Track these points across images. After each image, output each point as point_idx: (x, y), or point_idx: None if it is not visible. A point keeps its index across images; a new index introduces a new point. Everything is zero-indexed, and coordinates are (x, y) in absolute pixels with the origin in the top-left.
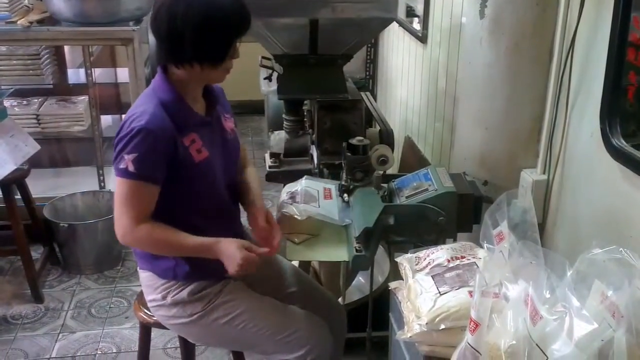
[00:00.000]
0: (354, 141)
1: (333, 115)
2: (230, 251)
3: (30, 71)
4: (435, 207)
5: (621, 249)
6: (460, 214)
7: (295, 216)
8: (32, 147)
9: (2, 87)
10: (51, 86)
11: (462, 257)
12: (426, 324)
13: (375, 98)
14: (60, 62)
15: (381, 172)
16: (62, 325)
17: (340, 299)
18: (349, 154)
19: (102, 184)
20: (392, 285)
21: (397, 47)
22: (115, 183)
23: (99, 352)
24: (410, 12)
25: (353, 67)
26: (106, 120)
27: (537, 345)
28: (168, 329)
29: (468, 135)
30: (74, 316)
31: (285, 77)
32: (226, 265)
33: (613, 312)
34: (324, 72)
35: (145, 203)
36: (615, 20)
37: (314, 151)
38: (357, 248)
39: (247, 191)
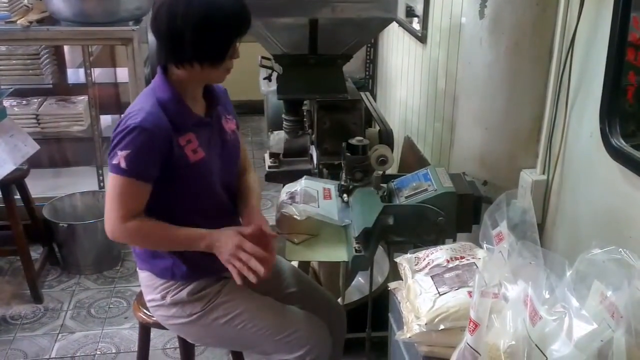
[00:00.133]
0: (353, 141)
1: (332, 115)
2: (224, 236)
3: (30, 71)
4: (435, 208)
5: (620, 249)
6: (459, 214)
7: (295, 216)
8: (32, 147)
9: (2, 86)
10: (51, 86)
11: (462, 258)
12: (425, 324)
13: (374, 98)
14: (59, 62)
15: (381, 172)
16: (62, 325)
17: (339, 299)
18: (348, 154)
19: (102, 184)
20: (392, 285)
21: (396, 47)
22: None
23: (99, 353)
24: (410, 12)
25: (353, 67)
26: (106, 120)
27: (536, 345)
28: (167, 329)
29: (468, 135)
30: (74, 316)
31: (284, 77)
32: (219, 251)
33: (612, 313)
34: (323, 72)
35: (135, 200)
36: (614, 20)
37: (313, 151)
38: (356, 248)
39: (246, 195)
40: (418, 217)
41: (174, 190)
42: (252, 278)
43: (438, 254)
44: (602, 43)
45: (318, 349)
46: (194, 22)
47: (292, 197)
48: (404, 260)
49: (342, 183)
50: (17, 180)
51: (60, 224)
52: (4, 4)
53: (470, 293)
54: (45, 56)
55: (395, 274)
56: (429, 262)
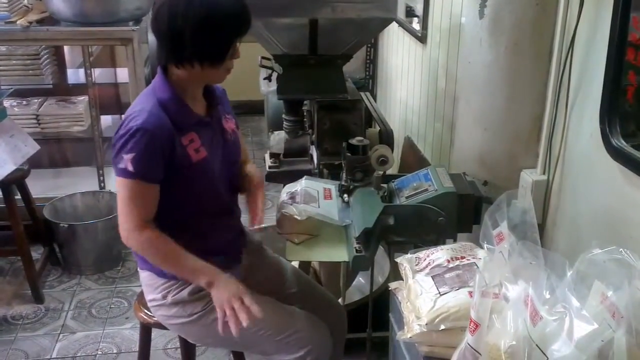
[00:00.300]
0: (353, 141)
1: (333, 115)
2: (225, 285)
3: (30, 71)
4: (435, 208)
5: (621, 249)
6: (460, 214)
7: (295, 216)
8: (32, 148)
9: (2, 87)
10: (51, 86)
11: (462, 258)
12: (426, 324)
13: (375, 98)
14: (59, 62)
15: (381, 173)
16: (63, 325)
17: (340, 300)
18: (348, 154)
19: (102, 184)
20: (392, 285)
21: (396, 47)
22: (115, 183)
23: (100, 353)
24: (410, 12)
25: (353, 67)
26: (106, 120)
27: (537, 345)
28: (168, 330)
29: (468, 135)
30: (75, 316)
31: (285, 77)
32: (214, 296)
33: (613, 313)
34: (323, 72)
35: (147, 202)
36: (614, 20)
37: (313, 151)
38: (357, 248)
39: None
40: (418, 217)
41: (177, 190)
42: (234, 329)
43: (438, 254)
44: (602, 43)
45: (319, 350)
46: (194, 22)
47: (292, 197)
48: (404, 261)
49: (343, 183)
50: (17, 180)
51: (61, 224)
52: (4, 4)
53: (470, 293)
54: (45, 56)
55: (395, 274)
56: (429, 262)
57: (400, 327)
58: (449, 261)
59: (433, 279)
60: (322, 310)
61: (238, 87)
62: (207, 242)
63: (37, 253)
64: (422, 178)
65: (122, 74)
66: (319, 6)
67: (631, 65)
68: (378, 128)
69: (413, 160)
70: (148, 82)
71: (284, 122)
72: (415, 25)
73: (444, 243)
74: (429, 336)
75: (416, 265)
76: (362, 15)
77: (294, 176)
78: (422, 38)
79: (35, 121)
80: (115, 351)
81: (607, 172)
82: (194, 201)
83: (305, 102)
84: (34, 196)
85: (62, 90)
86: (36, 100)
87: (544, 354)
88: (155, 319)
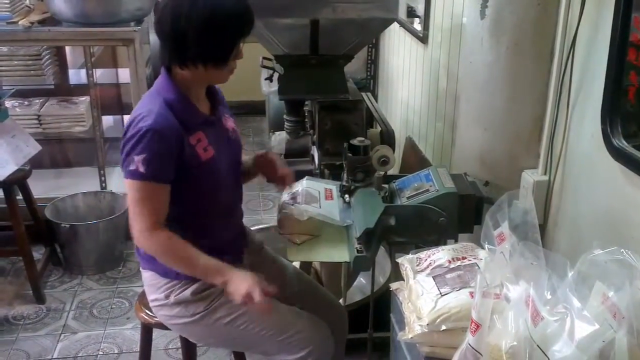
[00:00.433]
0: (355, 142)
1: (334, 115)
2: (241, 279)
3: (32, 72)
4: (436, 208)
5: (622, 249)
6: (461, 214)
7: (296, 217)
8: (34, 148)
9: (4, 87)
10: (52, 87)
11: (463, 258)
12: (427, 324)
13: (376, 98)
14: (61, 63)
15: (382, 173)
16: (64, 325)
17: (341, 300)
18: (350, 154)
19: (104, 185)
20: (393, 286)
21: (398, 47)
22: (119, 185)
23: (101, 353)
24: (411, 13)
25: (354, 68)
26: (107, 120)
27: (538, 346)
28: (169, 330)
29: (469, 135)
30: (76, 317)
31: (286, 78)
32: (231, 292)
33: (614, 313)
34: (325, 73)
35: (159, 203)
36: (616, 21)
37: (315, 152)
38: (358, 249)
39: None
40: (420, 217)
41: (183, 190)
42: (265, 314)
43: (440, 255)
44: (603, 43)
45: (320, 350)
46: (198, 23)
47: (293, 197)
48: (405, 261)
49: (344, 183)
50: (19, 180)
51: (63, 225)
52: (6, 5)
53: (472, 293)
54: (46, 57)
55: (396, 274)
56: (430, 263)
57: (402, 327)
58: (450, 262)
59: (434, 280)
60: (323, 310)
61: (239, 88)
62: (209, 242)
63: (38, 253)
64: (423, 178)
65: (124, 75)
66: (320, 6)
67: (632, 65)
68: (379, 128)
69: (414, 160)
70: (150, 83)
71: (285, 123)
72: (417, 25)
73: (445, 243)
74: (430, 337)
75: (417, 265)
76: (363, 16)
77: (295, 177)
78: (423, 38)
79: (36, 121)
80: (116, 351)
81: (609, 172)
82: (199, 201)
83: (306, 102)
84: (35, 196)
85: (64, 90)
86: (38, 101)
87: (545, 354)
88: (157, 319)
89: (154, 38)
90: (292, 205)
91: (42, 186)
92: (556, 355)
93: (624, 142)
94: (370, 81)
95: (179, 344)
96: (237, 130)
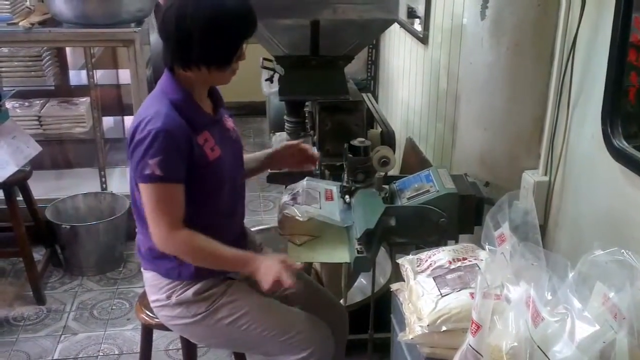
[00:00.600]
0: (355, 142)
1: (334, 116)
2: (267, 264)
3: (32, 73)
4: (437, 209)
5: (623, 250)
6: (461, 215)
7: (297, 217)
8: (34, 149)
9: (4, 88)
10: (53, 88)
11: (464, 259)
12: (427, 325)
13: (376, 99)
14: (61, 64)
15: (382, 174)
16: (64, 327)
17: (341, 301)
18: (350, 155)
19: (104, 186)
20: (394, 286)
21: (398, 48)
22: (120, 186)
23: (101, 354)
24: (412, 13)
25: (354, 68)
26: (108, 121)
27: (538, 347)
28: (170, 331)
29: (469, 136)
30: (76, 318)
31: (286, 79)
32: (261, 280)
33: (615, 314)
34: (325, 74)
35: (177, 204)
36: (616, 21)
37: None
38: (358, 249)
39: (255, 155)
40: (420, 218)
41: (190, 191)
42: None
43: (440, 255)
44: (603, 44)
45: (321, 351)
46: (202, 25)
47: (294, 198)
48: (406, 262)
49: (344, 184)
50: (19, 181)
51: (63, 226)
52: (6, 6)
53: (472, 294)
54: (47, 58)
55: (397, 275)
56: (431, 264)
57: (402, 328)
58: (450, 262)
59: (434, 280)
60: (323, 310)
61: (240, 89)
62: None
63: (38, 254)
64: (423, 179)
65: (124, 76)
66: (321, 7)
67: (633, 66)
68: (380, 129)
69: (414, 161)
70: (150, 84)
71: (286, 124)
72: (417, 26)
73: (445, 244)
74: (430, 337)
75: (418, 266)
76: (364, 17)
77: (296, 177)
78: (423, 39)
79: (37, 122)
80: (116, 352)
81: (609, 173)
82: (202, 201)
83: (306, 103)
84: (36, 197)
85: (64, 91)
86: (38, 102)
87: (546, 355)
88: (157, 320)
89: (154, 39)
90: (293, 205)
91: (42, 187)
92: (557, 356)
93: (624, 142)
94: (371, 82)
95: (179, 345)
96: (236, 130)
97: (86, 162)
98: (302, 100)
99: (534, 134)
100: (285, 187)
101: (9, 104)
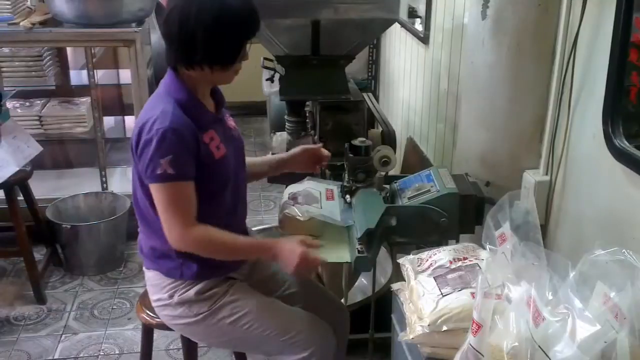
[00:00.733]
0: (356, 142)
1: (335, 116)
2: (289, 246)
3: (33, 72)
4: (438, 209)
5: (624, 250)
6: (462, 215)
7: (298, 217)
8: (35, 149)
9: (5, 88)
10: (54, 87)
11: (465, 259)
12: (428, 325)
13: (377, 99)
14: (62, 64)
15: (383, 173)
16: (65, 326)
17: (342, 300)
18: (351, 155)
19: (105, 185)
20: (395, 286)
21: (399, 48)
22: (120, 185)
23: (102, 354)
24: (412, 13)
25: (355, 68)
26: (108, 121)
27: (539, 346)
28: (170, 330)
29: (470, 136)
30: (77, 317)
31: (287, 78)
32: (284, 263)
33: (616, 314)
34: (326, 73)
35: (190, 202)
36: (617, 21)
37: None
38: (359, 249)
39: (266, 158)
40: (421, 218)
41: (198, 189)
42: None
43: (441, 255)
44: (604, 44)
45: (322, 351)
46: (205, 25)
47: (295, 198)
48: (406, 261)
49: (345, 184)
50: (20, 181)
51: (64, 225)
52: (7, 6)
53: (473, 294)
54: (48, 58)
55: (398, 275)
56: (431, 263)
57: (403, 328)
58: (451, 262)
59: (435, 280)
60: (324, 309)
61: (240, 88)
62: None
63: (39, 254)
64: (424, 179)
65: (125, 76)
66: (322, 7)
67: (634, 66)
68: (380, 129)
69: (415, 161)
70: (151, 84)
71: (287, 123)
72: (418, 26)
73: (446, 244)
74: (431, 337)
75: (418, 266)
76: (365, 16)
77: (297, 177)
78: (424, 39)
79: (38, 122)
80: (117, 352)
81: (610, 173)
82: (206, 199)
83: (307, 103)
84: (36, 197)
85: (65, 91)
86: (39, 102)
87: (547, 355)
88: (158, 319)
89: (155, 39)
90: (293, 205)
91: (43, 187)
92: (557, 356)
93: (625, 142)
94: (372, 82)
95: (180, 345)
96: (238, 129)
97: (87, 162)
98: (303, 100)
99: (535, 134)
100: (286, 186)
101: (9, 104)
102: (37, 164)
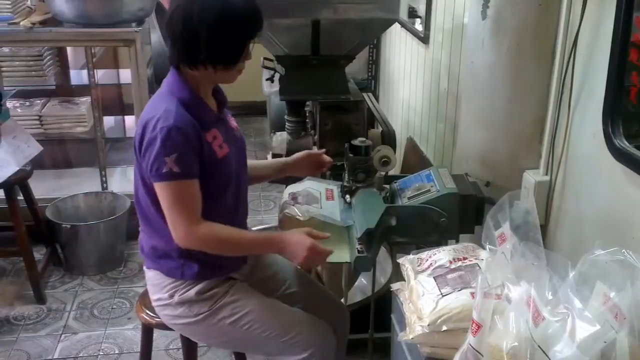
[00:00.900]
0: (356, 142)
1: (335, 116)
2: (297, 239)
3: (33, 72)
4: (437, 208)
5: (624, 250)
6: (462, 215)
7: (298, 217)
8: (35, 148)
9: (5, 88)
10: (54, 87)
11: (464, 259)
12: (428, 325)
13: (377, 99)
14: (62, 63)
15: (383, 173)
16: (65, 326)
17: (342, 300)
18: (351, 155)
19: (105, 185)
20: (394, 286)
21: (399, 48)
22: (120, 185)
23: (101, 354)
24: (413, 13)
25: (355, 68)
26: (108, 121)
27: (539, 346)
28: (170, 330)
29: (470, 136)
30: (77, 317)
31: (287, 78)
32: (291, 256)
33: (615, 314)
34: (326, 73)
35: (196, 200)
36: (617, 21)
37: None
38: (359, 249)
39: (270, 162)
40: (421, 218)
41: (201, 188)
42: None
43: (441, 255)
44: (604, 44)
45: (322, 352)
46: (209, 24)
47: (294, 198)
48: (406, 261)
49: (345, 184)
50: (20, 181)
51: (64, 225)
52: (7, 6)
53: (472, 294)
54: (48, 57)
55: (397, 274)
56: (431, 263)
57: (402, 328)
58: (451, 262)
59: (435, 280)
60: (324, 309)
61: (240, 88)
62: None
63: (39, 254)
64: (424, 179)
65: (125, 75)
66: (322, 7)
67: (634, 65)
68: (380, 129)
69: (415, 161)
70: (151, 83)
71: (287, 123)
72: (418, 26)
73: (446, 244)
74: (430, 337)
75: (418, 266)
76: (365, 16)
77: (297, 177)
78: (424, 39)
79: (38, 122)
80: (117, 352)
81: (610, 173)
82: (208, 198)
83: (307, 103)
84: (36, 197)
85: (65, 91)
86: (39, 101)
87: (546, 355)
88: (157, 319)
89: (155, 38)
90: (293, 205)
91: (43, 186)
92: (557, 356)
93: (625, 142)
94: (372, 81)
95: (179, 345)
96: (239, 129)
97: (87, 161)
98: (303, 100)
99: (535, 134)
100: (286, 186)
101: (9, 104)
102: (37, 163)
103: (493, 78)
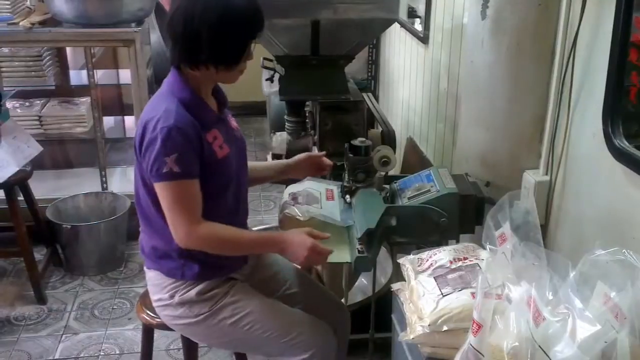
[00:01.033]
0: (356, 142)
1: (335, 116)
2: (298, 239)
3: (33, 72)
4: (438, 209)
5: (624, 250)
6: (462, 215)
7: (298, 217)
8: (35, 149)
9: (5, 88)
10: (53, 87)
11: (465, 259)
12: (428, 325)
13: (377, 99)
14: (62, 64)
15: (383, 173)
16: (65, 326)
17: (342, 301)
18: (351, 155)
19: (105, 185)
20: (395, 286)
21: (398, 48)
22: (120, 185)
23: (102, 354)
24: (412, 13)
25: (355, 68)
26: (108, 121)
27: (539, 346)
28: (171, 330)
29: (470, 136)
30: (77, 317)
31: (287, 78)
32: (292, 256)
33: (616, 314)
34: (325, 73)
35: (196, 200)
36: (617, 21)
37: (316, 152)
38: (359, 249)
39: (270, 164)
40: (421, 218)
41: (201, 188)
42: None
43: (441, 255)
44: (604, 43)
45: (322, 352)
46: (210, 25)
47: (295, 198)
48: (407, 261)
49: (345, 184)
50: (20, 181)
51: (64, 225)
52: (7, 6)
53: (473, 294)
54: (47, 58)
55: (398, 275)
56: (432, 263)
57: (403, 328)
58: (451, 262)
59: (435, 280)
60: (325, 309)
61: (240, 88)
62: None
63: (39, 254)
64: (424, 179)
65: (125, 75)
66: (321, 7)
67: (634, 65)
68: (380, 129)
69: (415, 161)
70: (151, 84)
71: (286, 123)
72: (418, 26)
73: (446, 244)
74: (431, 337)
75: (419, 266)
76: (364, 16)
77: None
78: (424, 39)
79: (37, 122)
80: (117, 352)
81: (610, 172)
82: (208, 199)
83: (307, 103)
84: (36, 197)
85: (65, 91)
86: (39, 102)
87: (547, 355)
88: (158, 320)
89: (154, 39)
90: (293, 205)
91: (43, 187)
92: (558, 356)
93: (625, 142)
94: (371, 82)
95: (180, 345)
96: (240, 130)
97: (87, 162)
98: (303, 100)
99: (535, 134)
100: (286, 186)
101: (9, 104)
102: (37, 164)
103: (493, 78)
